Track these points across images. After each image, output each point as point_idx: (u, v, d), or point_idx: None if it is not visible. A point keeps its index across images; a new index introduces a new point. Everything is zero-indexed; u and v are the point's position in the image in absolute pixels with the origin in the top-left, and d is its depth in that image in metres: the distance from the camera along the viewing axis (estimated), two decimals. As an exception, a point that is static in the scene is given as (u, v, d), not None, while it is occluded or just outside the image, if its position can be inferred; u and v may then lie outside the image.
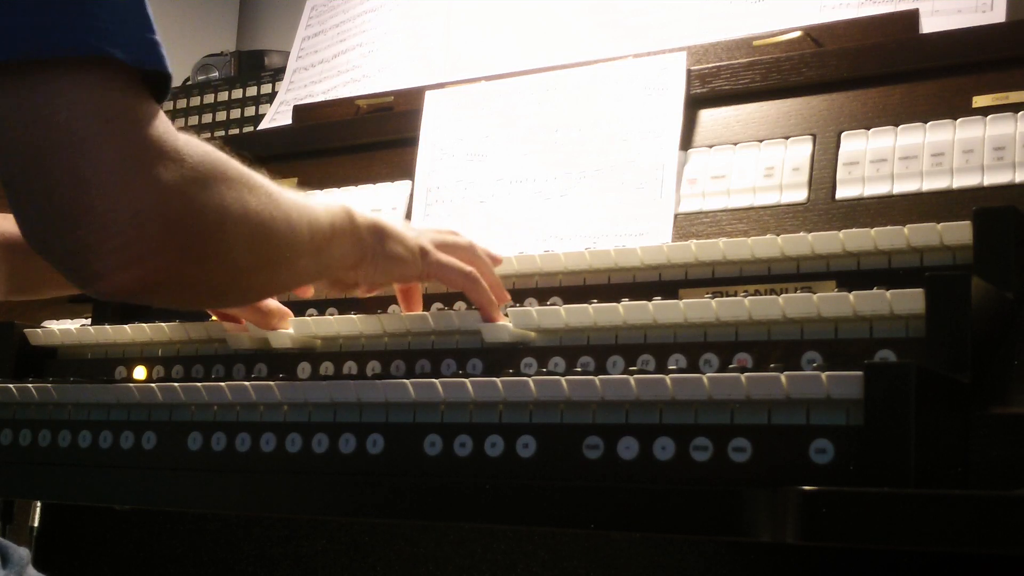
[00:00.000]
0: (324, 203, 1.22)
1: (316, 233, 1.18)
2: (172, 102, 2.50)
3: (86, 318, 1.79)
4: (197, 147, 1.00)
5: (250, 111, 2.39)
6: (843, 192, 1.40)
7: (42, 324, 1.73)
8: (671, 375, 1.03)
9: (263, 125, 2.10)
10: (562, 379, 1.08)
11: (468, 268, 1.34)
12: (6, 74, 0.92)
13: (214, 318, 1.55)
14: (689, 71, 1.56)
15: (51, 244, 0.96)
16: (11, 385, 1.43)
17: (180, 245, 0.98)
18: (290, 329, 1.44)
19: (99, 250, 0.94)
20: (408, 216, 1.69)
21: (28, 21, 0.91)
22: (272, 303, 1.44)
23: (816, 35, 1.55)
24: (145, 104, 0.96)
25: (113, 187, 0.93)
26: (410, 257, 1.31)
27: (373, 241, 1.28)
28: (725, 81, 1.54)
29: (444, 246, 1.36)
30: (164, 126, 0.97)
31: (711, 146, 1.52)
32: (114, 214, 0.93)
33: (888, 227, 1.26)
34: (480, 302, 1.33)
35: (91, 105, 0.93)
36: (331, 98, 2.00)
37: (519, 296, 1.44)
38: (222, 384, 1.27)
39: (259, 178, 1.09)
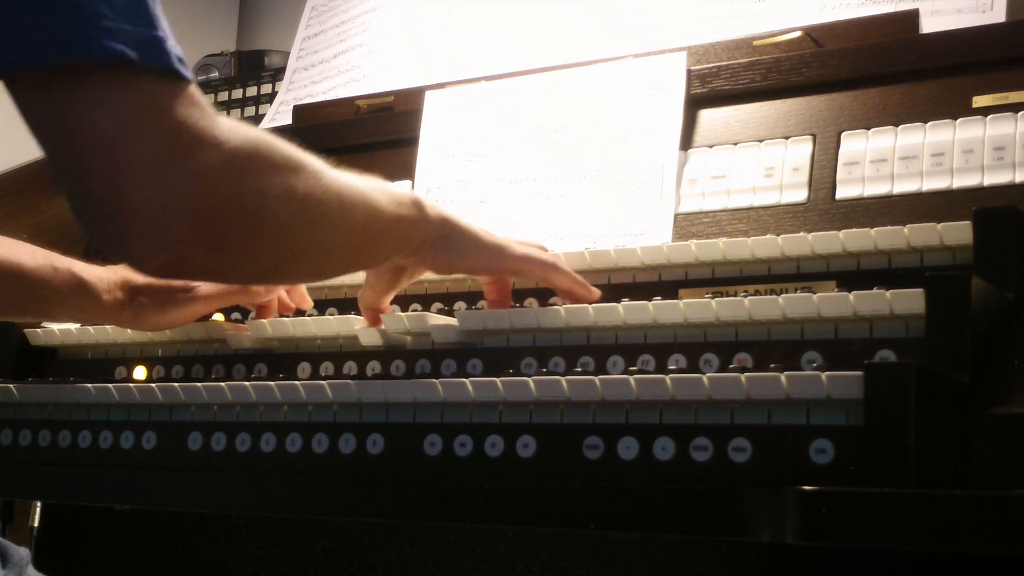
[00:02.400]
0: (389, 190, 1.23)
1: (375, 218, 1.18)
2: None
3: (86, 318, 1.79)
4: (238, 132, 1.01)
5: (250, 111, 2.38)
6: (843, 192, 1.40)
7: (42, 324, 1.73)
8: (671, 375, 1.03)
9: (263, 125, 2.10)
10: (562, 379, 1.08)
11: (549, 258, 1.35)
12: (31, 84, 0.95)
13: (218, 317, 1.55)
14: (689, 71, 1.56)
15: (96, 230, 1.00)
16: (11, 385, 1.43)
17: (211, 233, 0.99)
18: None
19: (135, 237, 0.97)
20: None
21: (40, 31, 0.93)
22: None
23: (816, 35, 1.55)
24: (175, 95, 0.97)
25: (146, 180, 0.95)
26: (475, 251, 1.31)
27: (437, 231, 1.28)
28: (725, 81, 1.54)
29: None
30: (198, 114, 0.98)
31: (711, 146, 1.52)
32: (147, 205, 0.96)
33: (888, 227, 1.26)
34: (567, 287, 1.34)
35: (116, 105, 0.95)
36: (331, 98, 2.00)
37: (519, 296, 1.44)
38: (222, 384, 1.27)
39: (309, 161, 1.09)
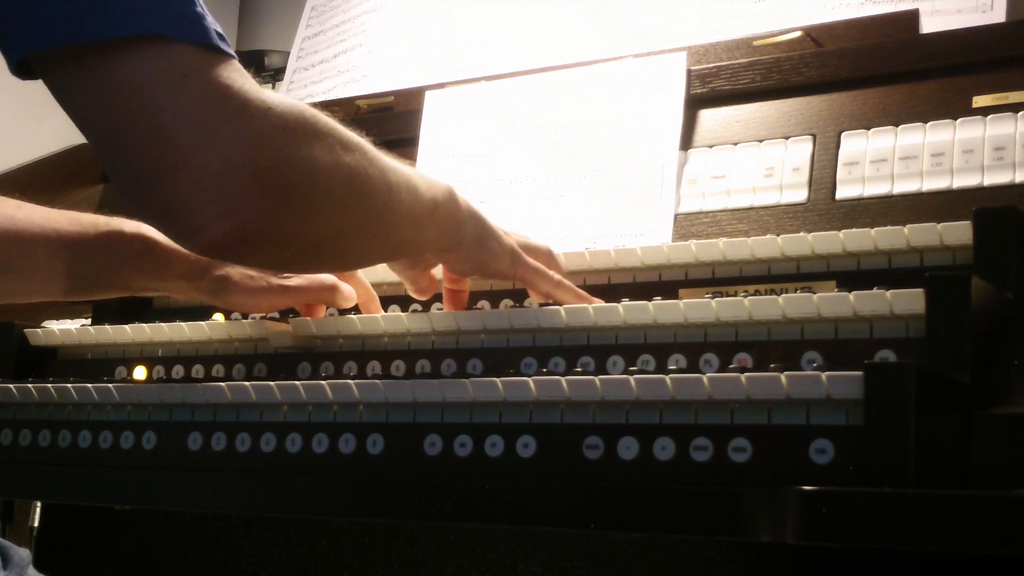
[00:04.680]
0: (427, 177, 1.22)
1: (417, 203, 1.18)
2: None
3: (86, 318, 1.79)
4: (284, 100, 1.00)
5: (250, 111, 2.38)
6: (843, 192, 1.40)
7: (42, 324, 1.73)
8: (671, 375, 1.03)
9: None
10: (562, 379, 1.08)
11: (556, 276, 1.36)
12: (73, 58, 0.94)
13: (217, 317, 1.55)
14: (689, 71, 1.56)
15: (149, 203, 0.97)
16: (11, 385, 1.43)
17: (273, 194, 0.97)
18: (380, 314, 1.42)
19: (194, 203, 0.94)
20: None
21: (71, 11, 0.92)
22: (350, 289, 1.44)
23: (816, 35, 1.55)
24: (218, 63, 0.96)
25: (200, 140, 0.93)
26: (501, 255, 1.32)
27: (472, 229, 1.28)
28: (725, 81, 1.54)
29: (528, 249, 1.37)
30: (244, 79, 0.97)
31: (711, 146, 1.52)
32: (204, 166, 0.93)
33: (888, 227, 1.26)
34: (571, 304, 1.34)
35: (165, 66, 0.93)
36: (331, 98, 2.00)
37: (519, 296, 1.44)
38: (222, 384, 1.27)
39: (356, 138, 1.08)
